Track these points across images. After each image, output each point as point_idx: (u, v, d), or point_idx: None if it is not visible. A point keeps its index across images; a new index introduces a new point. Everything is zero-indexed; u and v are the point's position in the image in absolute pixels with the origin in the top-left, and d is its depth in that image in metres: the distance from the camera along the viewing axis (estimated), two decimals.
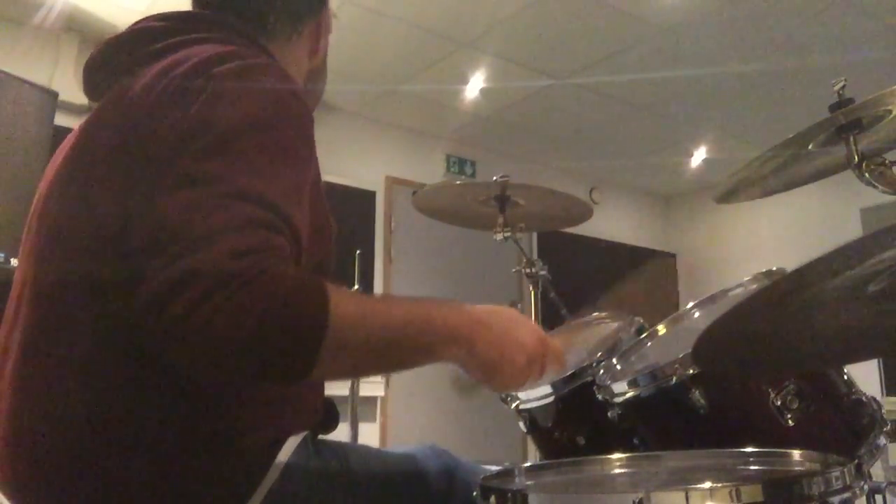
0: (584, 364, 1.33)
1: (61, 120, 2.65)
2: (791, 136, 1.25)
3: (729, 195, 1.48)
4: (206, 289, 0.63)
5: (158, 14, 0.92)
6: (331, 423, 0.95)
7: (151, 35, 0.89)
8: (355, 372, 0.80)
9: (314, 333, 0.66)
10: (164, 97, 0.79)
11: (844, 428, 1.04)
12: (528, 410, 1.41)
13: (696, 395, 1.01)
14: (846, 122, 1.20)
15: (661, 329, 1.32)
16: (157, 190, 0.71)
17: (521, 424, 1.44)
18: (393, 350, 0.75)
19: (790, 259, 0.72)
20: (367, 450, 0.98)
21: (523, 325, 0.85)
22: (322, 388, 0.96)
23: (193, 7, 0.99)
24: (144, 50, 0.87)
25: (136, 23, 0.92)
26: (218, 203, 0.69)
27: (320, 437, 0.92)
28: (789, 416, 0.98)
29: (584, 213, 2.26)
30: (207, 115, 0.75)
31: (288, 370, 0.68)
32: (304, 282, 0.68)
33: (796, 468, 0.79)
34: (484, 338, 0.79)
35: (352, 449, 0.93)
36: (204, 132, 0.73)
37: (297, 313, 0.66)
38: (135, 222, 0.73)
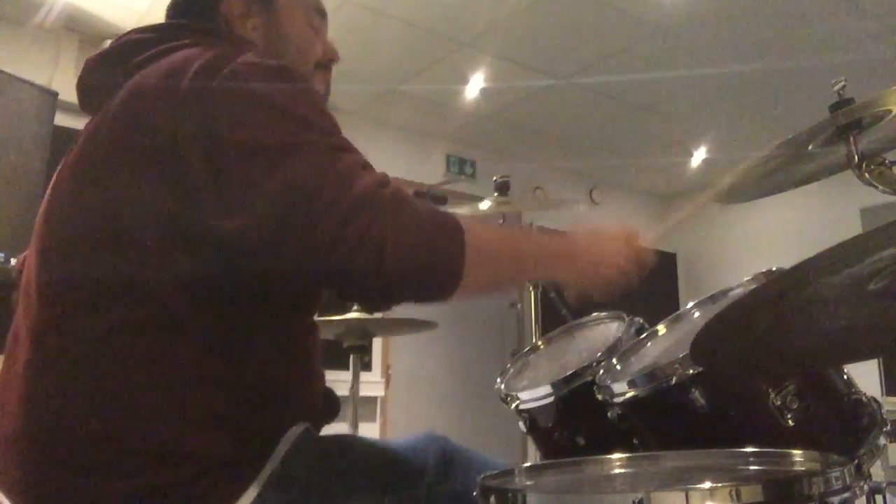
0: (584, 364, 1.33)
1: (61, 120, 2.65)
2: (791, 136, 1.25)
3: (730, 196, 1.48)
4: (374, 214, 0.73)
5: (142, 27, 0.97)
6: (332, 412, 0.98)
7: (140, 45, 0.93)
8: (493, 284, 0.88)
9: (459, 241, 0.77)
10: (198, 94, 0.82)
11: (844, 428, 1.04)
12: (528, 410, 1.40)
13: (696, 395, 1.01)
14: (846, 122, 1.20)
15: (661, 329, 1.32)
16: (249, 168, 0.77)
17: (521, 424, 1.43)
18: (518, 263, 0.90)
19: (790, 259, 0.72)
20: (366, 439, 1.01)
21: (612, 242, 1.00)
22: (322, 378, 0.97)
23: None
24: (136, 58, 0.91)
25: (122, 36, 0.97)
26: (333, 156, 0.78)
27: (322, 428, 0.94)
28: (789, 416, 0.98)
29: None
30: (278, 102, 0.82)
31: (444, 279, 0.77)
32: (428, 203, 0.81)
33: (796, 468, 0.79)
34: (584, 257, 0.96)
35: (351, 438, 0.95)
36: (282, 115, 0.81)
37: (443, 223, 0.78)
38: (226, 204, 0.77)
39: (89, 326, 0.80)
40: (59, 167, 0.94)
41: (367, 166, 0.80)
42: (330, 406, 0.99)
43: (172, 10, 1.07)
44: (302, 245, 0.75)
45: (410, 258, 0.75)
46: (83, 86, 0.98)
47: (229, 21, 1.04)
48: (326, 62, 1.13)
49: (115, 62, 0.94)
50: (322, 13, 1.13)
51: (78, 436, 0.78)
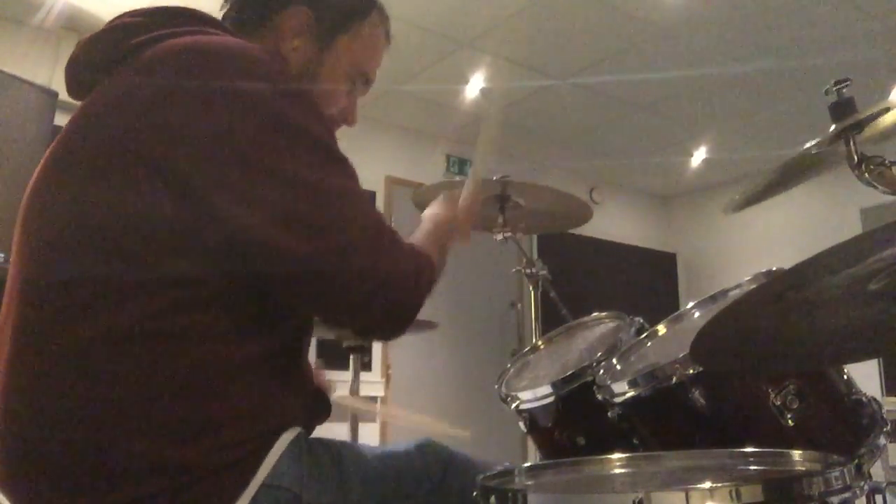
0: (584, 364, 1.33)
1: (61, 120, 2.64)
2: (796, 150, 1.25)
3: (739, 206, 1.47)
4: (397, 293, 0.85)
5: (133, 10, 0.92)
6: (323, 412, 0.97)
7: (127, 31, 0.89)
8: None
9: (435, 280, 0.94)
10: (167, 97, 0.79)
11: (844, 428, 1.04)
12: (528, 410, 1.40)
13: (696, 395, 1.01)
14: (846, 123, 1.20)
15: (661, 329, 1.32)
16: (239, 188, 0.77)
17: (521, 424, 1.44)
18: (444, 255, 1.05)
19: (790, 259, 0.72)
20: (360, 447, 0.98)
21: (458, 198, 1.24)
22: (312, 376, 0.96)
23: None
24: (122, 46, 0.87)
25: (112, 20, 0.92)
26: (364, 209, 0.85)
27: (315, 432, 0.92)
28: (789, 416, 0.98)
29: (585, 214, 2.26)
30: (303, 126, 0.82)
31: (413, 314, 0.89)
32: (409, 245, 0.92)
33: (796, 468, 0.79)
34: (458, 219, 1.19)
35: (345, 445, 0.93)
36: (307, 143, 0.82)
37: (431, 269, 0.92)
38: (218, 214, 0.77)
39: (72, 332, 0.77)
40: (42, 162, 0.89)
41: (382, 219, 0.88)
42: (321, 406, 0.97)
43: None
44: (331, 301, 0.84)
45: (415, 310, 0.89)
46: (72, 69, 0.94)
47: (279, 27, 1.00)
48: (339, 121, 1.11)
49: (104, 47, 0.90)
50: (368, 81, 1.15)
51: (59, 445, 0.75)
